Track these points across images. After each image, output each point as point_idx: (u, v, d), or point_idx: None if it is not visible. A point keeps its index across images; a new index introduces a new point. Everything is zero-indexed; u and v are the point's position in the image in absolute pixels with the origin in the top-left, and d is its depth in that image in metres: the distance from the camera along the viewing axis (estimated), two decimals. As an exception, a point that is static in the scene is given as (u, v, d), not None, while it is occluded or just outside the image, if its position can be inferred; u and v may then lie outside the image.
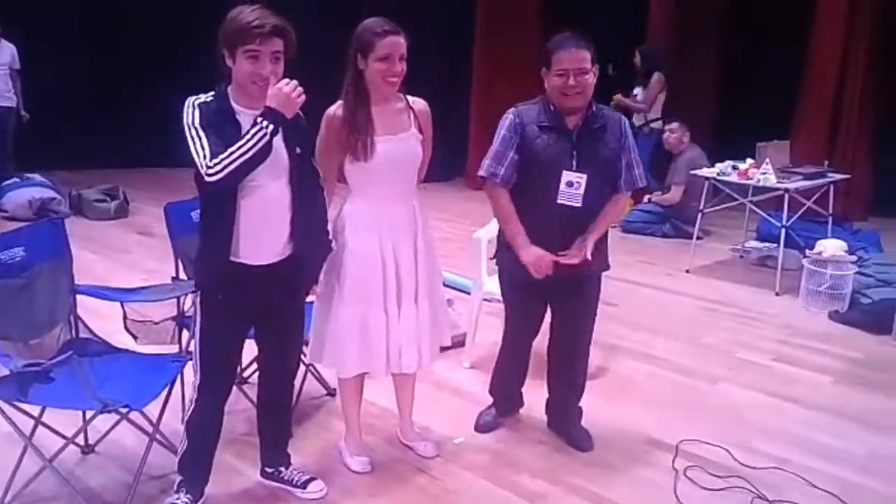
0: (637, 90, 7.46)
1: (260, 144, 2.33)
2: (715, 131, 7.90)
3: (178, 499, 2.66)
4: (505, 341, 3.29)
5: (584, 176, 2.86)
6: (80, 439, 3.01)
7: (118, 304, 3.14)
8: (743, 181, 5.64)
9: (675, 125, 6.71)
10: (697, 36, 7.87)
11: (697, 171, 6.09)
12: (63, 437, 2.77)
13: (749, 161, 5.69)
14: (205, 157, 2.32)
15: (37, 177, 7.50)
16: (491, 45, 8.75)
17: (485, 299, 4.05)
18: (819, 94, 6.99)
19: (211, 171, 2.31)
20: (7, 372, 2.57)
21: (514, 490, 2.93)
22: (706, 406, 3.64)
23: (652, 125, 7.34)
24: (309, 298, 2.85)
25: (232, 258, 2.49)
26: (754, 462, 3.09)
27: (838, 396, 3.77)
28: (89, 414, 2.70)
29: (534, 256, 2.91)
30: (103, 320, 3.19)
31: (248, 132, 2.34)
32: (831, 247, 5.10)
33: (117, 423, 2.80)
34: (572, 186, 2.87)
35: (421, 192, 2.93)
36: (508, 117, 2.96)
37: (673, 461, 3.10)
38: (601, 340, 4.32)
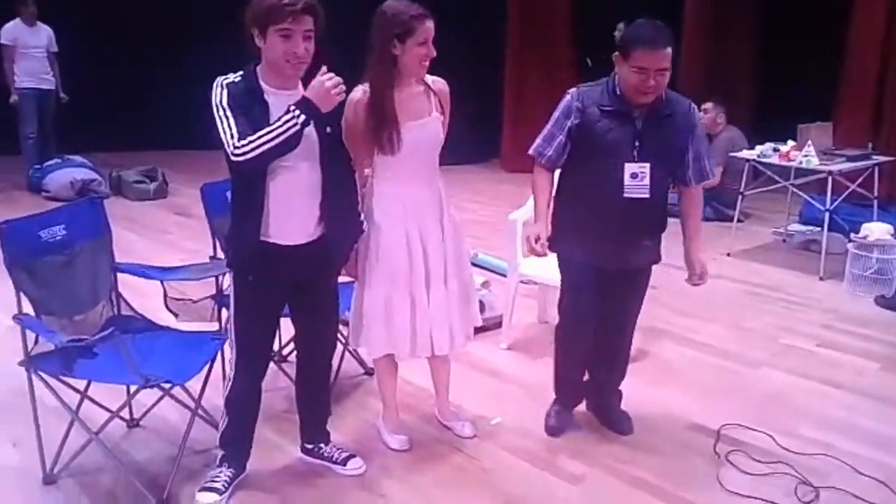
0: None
1: (289, 133, 2.32)
2: (755, 112, 7.73)
3: (220, 472, 2.69)
4: (560, 333, 3.13)
5: (647, 165, 2.73)
6: (125, 413, 3.06)
7: (158, 282, 3.18)
8: (784, 163, 5.52)
9: (708, 105, 6.56)
10: (736, 13, 7.70)
11: (737, 153, 5.98)
12: (108, 410, 2.82)
13: (790, 143, 5.57)
14: (231, 136, 2.32)
15: (78, 158, 7.61)
16: (525, 26, 8.65)
17: (521, 281, 4.02)
18: (863, 75, 6.79)
19: (238, 151, 2.31)
20: (52, 347, 2.62)
21: (552, 471, 2.91)
22: (749, 391, 3.59)
23: None
24: (341, 279, 2.85)
25: (262, 238, 2.49)
26: (798, 448, 3.04)
27: (884, 382, 3.69)
28: (133, 389, 2.74)
29: (532, 232, 2.80)
30: (145, 298, 3.23)
31: (280, 119, 2.33)
32: (877, 230, 4.98)
33: (160, 398, 2.83)
34: (636, 178, 2.74)
35: (445, 173, 2.90)
36: (566, 98, 2.85)
37: (715, 446, 3.06)
38: (643, 324, 4.20)
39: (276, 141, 2.32)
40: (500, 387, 3.61)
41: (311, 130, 2.44)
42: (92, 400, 2.88)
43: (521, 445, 3.09)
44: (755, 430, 3.16)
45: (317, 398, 2.91)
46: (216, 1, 8.34)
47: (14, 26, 7.32)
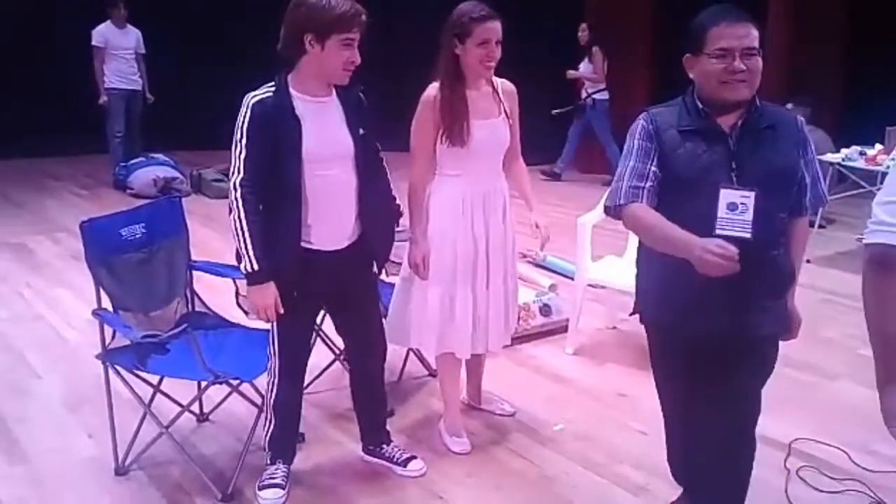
0: (582, 64, 8.10)
1: (238, 257, 2.47)
2: (841, 114, 7.45)
3: (277, 469, 2.75)
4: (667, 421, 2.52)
5: (752, 194, 2.00)
6: (195, 408, 3.16)
7: (231, 280, 3.26)
8: (871, 167, 5.30)
9: (789, 106, 6.36)
10: (823, 12, 7.43)
11: (821, 157, 5.77)
12: (179, 405, 2.91)
13: (878, 146, 5.34)
14: (238, 171, 2.42)
15: (161, 156, 7.88)
16: (601, 29, 8.56)
17: (589, 285, 3.98)
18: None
19: (235, 191, 2.42)
20: (128, 342, 2.72)
21: (615, 480, 2.87)
22: (824, 404, 3.46)
23: (595, 97, 8.02)
24: (389, 278, 2.89)
25: (305, 244, 2.53)
26: (873, 465, 2.92)
27: (972, 400, 3.50)
28: (203, 384, 2.82)
29: (711, 245, 1.91)
30: (218, 295, 3.32)
31: (254, 252, 2.42)
32: (970, 239, 4.73)
33: (229, 394, 2.91)
34: (736, 210, 2.01)
35: (532, 175, 2.92)
36: (639, 124, 2.21)
37: (785, 460, 2.97)
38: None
39: (237, 244, 2.45)
40: (563, 392, 3.58)
41: (344, 135, 2.53)
42: (164, 394, 2.99)
43: (583, 453, 3.06)
44: (829, 445, 3.05)
45: (372, 399, 2.94)
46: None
47: (105, 28, 7.61)
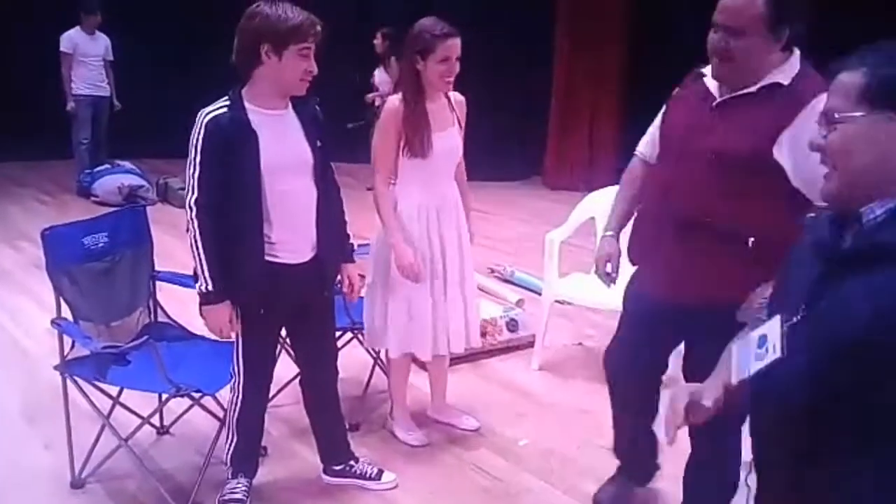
0: (377, 71, 7.77)
1: (195, 275, 2.47)
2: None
3: (238, 483, 2.71)
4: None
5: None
6: (156, 420, 3.11)
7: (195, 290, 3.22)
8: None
9: None
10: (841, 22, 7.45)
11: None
12: (139, 416, 2.87)
13: None
14: (192, 191, 2.40)
15: (127, 164, 7.79)
16: (572, 46, 8.61)
17: (556, 301, 4.00)
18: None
19: (191, 211, 2.41)
20: (87, 352, 2.68)
21: (579, 497, 2.87)
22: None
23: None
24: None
25: (269, 258, 2.50)
26: None
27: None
28: (164, 396, 2.78)
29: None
30: (182, 306, 3.28)
31: (209, 272, 2.42)
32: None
33: (190, 406, 2.86)
34: None
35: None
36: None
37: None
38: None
39: (193, 262, 2.44)
40: (528, 408, 3.58)
41: (303, 148, 2.51)
42: (124, 406, 2.94)
43: (547, 468, 3.06)
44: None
45: (333, 416, 2.89)
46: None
47: (74, 34, 7.50)
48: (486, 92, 9.04)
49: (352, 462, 2.91)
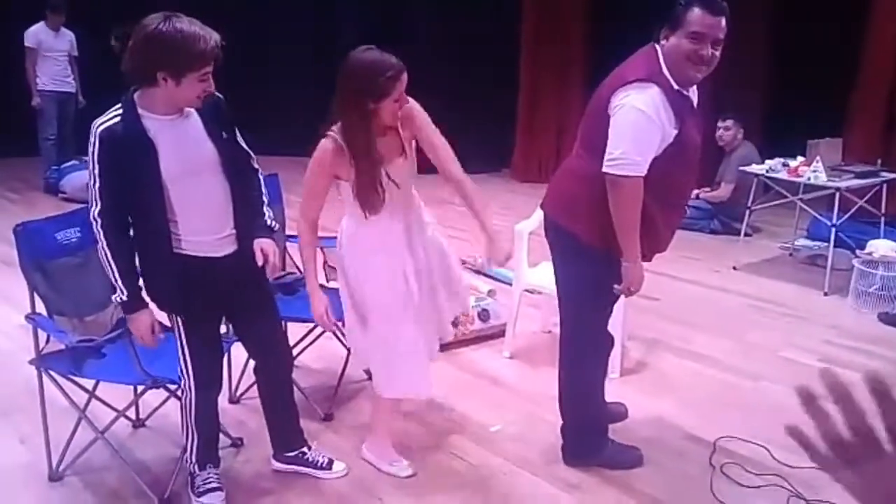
0: None
1: (112, 283, 2.44)
2: (766, 128, 7.76)
3: (209, 474, 2.73)
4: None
5: None
6: (132, 413, 3.13)
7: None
8: (793, 178, 5.54)
9: (729, 122, 6.61)
10: (748, 29, 7.71)
11: (747, 168, 6.01)
12: (115, 410, 2.89)
13: (800, 158, 5.59)
14: (94, 203, 2.37)
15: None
16: (538, 42, 8.71)
17: (525, 290, 4.07)
18: (873, 93, 6.81)
19: (95, 222, 2.39)
20: (63, 347, 2.70)
21: (549, 479, 2.96)
22: (747, 404, 3.62)
23: None
24: (330, 283, 2.95)
25: (186, 254, 2.49)
26: (794, 461, 3.05)
27: (884, 399, 3.70)
28: (140, 389, 2.81)
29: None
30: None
31: (122, 280, 2.41)
32: (882, 247, 4.99)
33: (166, 399, 2.90)
34: None
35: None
36: None
37: (710, 457, 3.10)
38: (642, 335, 4.32)
39: (107, 273, 2.43)
40: (501, 395, 3.66)
41: (205, 143, 2.45)
42: (99, 399, 2.96)
43: (519, 453, 3.13)
44: (751, 442, 3.19)
45: (284, 405, 2.91)
46: (233, 9, 8.55)
47: (38, 29, 7.44)
48: (456, 86, 9.19)
49: (304, 450, 2.94)
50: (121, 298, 2.44)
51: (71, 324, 2.83)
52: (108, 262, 2.42)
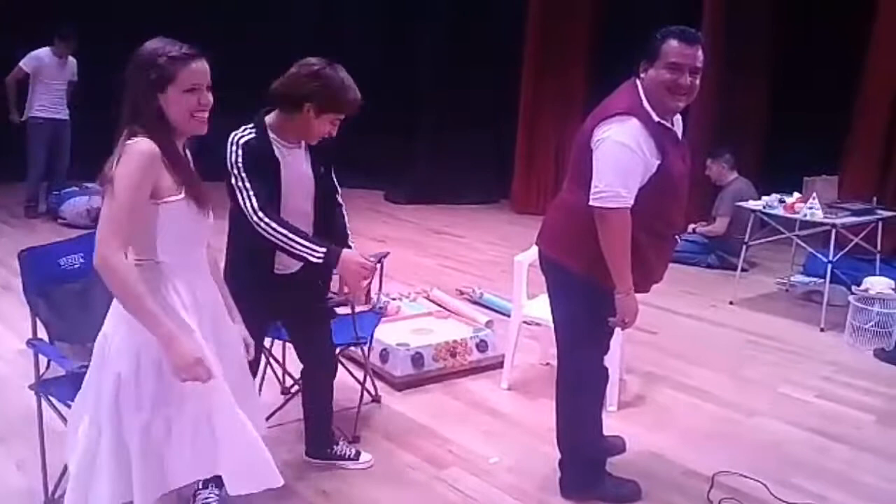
0: None
1: (305, 256, 2.62)
2: (763, 165, 7.83)
3: (209, 493, 2.75)
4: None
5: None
6: (129, 441, 3.11)
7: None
8: (789, 215, 5.59)
9: (708, 161, 6.75)
10: (746, 66, 7.83)
11: (743, 203, 6.06)
12: (113, 437, 2.87)
13: (796, 195, 5.64)
14: (252, 204, 2.58)
15: (94, 186, 7.72)
16: (539, 74, 8.82)
17: (524, 322, 4.09)
18: (870, 131, 6.89)
19: (260, 224, 2.58)
20: (63, 373, 2.70)
21: (547, 512, 2.95)
22: (744, 439, 3.62)
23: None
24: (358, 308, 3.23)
25: (276, 271, 2.77)
26: (791, 497, 3.06)
27: (881, 436, 3.71)
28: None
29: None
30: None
31: (312, 243, 2.61)
32: (878, 284, 5.02)
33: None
34: None
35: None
36: None
37: (708, 493, 3.09)
38: (639, 368, 4.33)
39: (292, 249, 2.61)
40: (499, 426, 3.66)
41: (308, 173, 2.78)
42: (99, 425, 2.94)
43: (517, 485, 3.13)
44: (749, 478, 3.19)
45: (323, 402, 3.15)
46: (242, 38, 8.64)
47: (43, 55, 7.30)
48: (456, 117, 9.27)
49: (334, 445, 3.20)
50: (320, 256, 2.60)
51: (72, 350, 2.83)
52: (290, 239, 2.59)
